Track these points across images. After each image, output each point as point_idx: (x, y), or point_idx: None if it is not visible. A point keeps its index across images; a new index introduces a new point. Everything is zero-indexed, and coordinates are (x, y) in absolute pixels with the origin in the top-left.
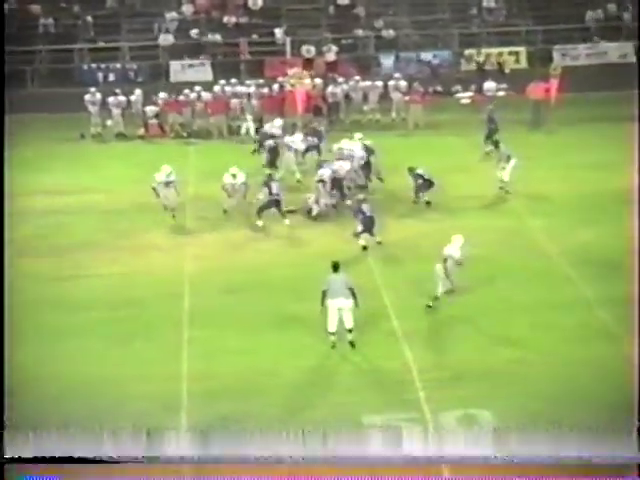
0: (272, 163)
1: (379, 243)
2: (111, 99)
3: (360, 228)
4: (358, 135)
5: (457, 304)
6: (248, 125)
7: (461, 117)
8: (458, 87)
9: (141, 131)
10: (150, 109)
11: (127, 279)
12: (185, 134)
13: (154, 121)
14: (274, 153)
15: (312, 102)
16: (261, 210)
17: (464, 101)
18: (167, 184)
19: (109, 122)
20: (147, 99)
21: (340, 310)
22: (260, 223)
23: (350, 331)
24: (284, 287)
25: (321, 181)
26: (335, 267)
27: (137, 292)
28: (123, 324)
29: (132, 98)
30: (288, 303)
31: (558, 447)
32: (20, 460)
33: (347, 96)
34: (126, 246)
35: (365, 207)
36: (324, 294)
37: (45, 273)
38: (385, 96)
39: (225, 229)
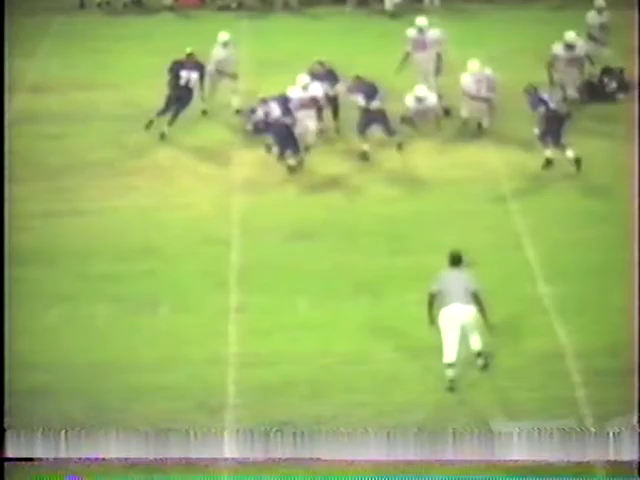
0: None
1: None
2: None
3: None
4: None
5: None
6: None
7: None
8: None
9: None
10: None
11: (147, 217)
12: (235, 3)
13: None
14: None
15: None
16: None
17: None
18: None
19: None
20: None
21: (459, 322)
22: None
23: (479, 354)
24: (378, 233)
25: None
26: (455, 259)
27: (162, 236)
28: (142, 283)
29: None
30: (382, 256)
31: (557, 447)
32: (21, 460)
33: None
34: (146, 168)
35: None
36: (432, 299)
37: (30, 207)
38: None
39: None
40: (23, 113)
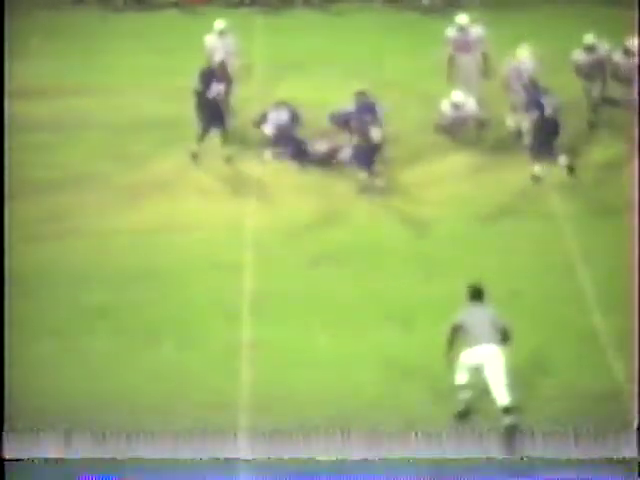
0: None
1: None
2: None
3: None
4: None
5: None
6: None
7: None
8: None
9: None
10: None
11: (149, 237)
12: None
13: None
14: None
15: None
16: None
17: None
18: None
19: None
20: None
21: (481, 366)
22: None
23: (507, 410)
24: (408, 257)
25: None
26: (476, 293)
27: (166, 260)
28: (143, 314)
29: None
30: (413, 283)
31: (557, 446)
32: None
33: None
34: (146, 183)
35: None
36: (453, 333)
37: (21, 228)
38: None
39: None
40: (8, 120)
